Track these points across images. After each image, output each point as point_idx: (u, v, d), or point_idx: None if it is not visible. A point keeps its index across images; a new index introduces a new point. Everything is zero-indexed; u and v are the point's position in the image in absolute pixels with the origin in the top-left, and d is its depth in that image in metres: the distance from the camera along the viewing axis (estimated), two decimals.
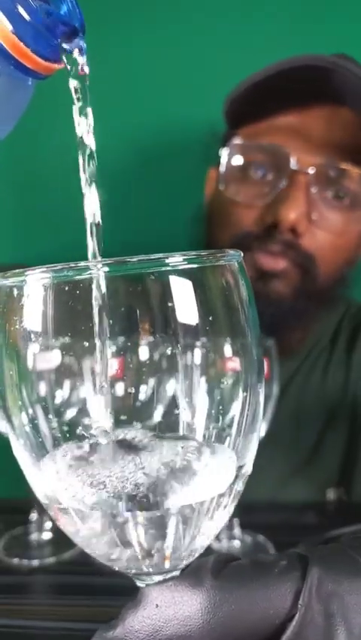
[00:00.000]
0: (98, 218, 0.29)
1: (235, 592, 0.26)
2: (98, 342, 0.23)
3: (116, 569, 0.29)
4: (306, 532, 0.63)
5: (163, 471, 0.26)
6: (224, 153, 0.73)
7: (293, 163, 0.67)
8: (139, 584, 0.30)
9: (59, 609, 0.49)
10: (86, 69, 0.32)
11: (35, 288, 0.23)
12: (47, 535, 0.62)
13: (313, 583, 0.26)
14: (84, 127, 0.31)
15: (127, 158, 1.00)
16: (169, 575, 0.28)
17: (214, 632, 0.25)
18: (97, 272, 0.22)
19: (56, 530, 0.63)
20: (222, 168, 0.74)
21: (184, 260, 0.23)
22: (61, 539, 0.61)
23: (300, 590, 0.26)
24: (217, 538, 0.59)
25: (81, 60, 0.32)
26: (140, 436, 0.28)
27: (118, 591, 0.50)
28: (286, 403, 0.79)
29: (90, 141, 0.31)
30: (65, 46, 0.32)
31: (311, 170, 0.67)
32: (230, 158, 0.73)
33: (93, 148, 0.30)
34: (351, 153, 0.68)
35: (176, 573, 0.28)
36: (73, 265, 0.22)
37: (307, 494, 0.77)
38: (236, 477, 0.27)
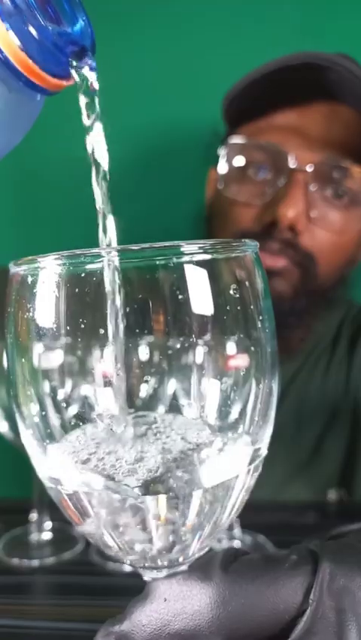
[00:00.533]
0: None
1: (245, 586, 0.26)
2: (112, 329, 0.23)
3: (127, 562, 0.28)
4: (306, 532, 0.63)
5: (178, 454, 0.25)
6: (222, 152, 0.74)
7: (292, 161, 0.68)
8: (146, 577, 0.29)
9: (59, 609, 0.49)
10: (96, 85, 0.32)
11: (49, 276, 0.23)
12: (46, 536, 0.61)
13: (324, 578, 0.26)
14: (96, 142, 0.31)
15: (128, 158, 1.00)
16: (178, 569, 0.28)
17: (223, 626, 0.25)
18: (111, 259, 0.22)
19: (56, 530, 0.62)
20: (221, 167, 0.74)
21: (200, 248, 0.23)
22: (61, 539, 0.61)
23: (311, 585, 0.26)
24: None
25: (91, 77, 0.32)
26: (153, 421, 0.27)
27: (118, 591, 0.50)
28: (288, 403, 0.79)
29: (102, 157, 0.30)
30: (74, 64, 0.32)
31: (310, 168, 0.67)
32: (228, 157, 0.73)
33: (105, 167, 0.30)
34: (350, 151, 0.68)
35: (184, 567, 0.28)
36: (87, 252, 0.22)
37: (308, 495, 0.77)
38: (252, 459, 0.27)
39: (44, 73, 0.31)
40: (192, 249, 0.23)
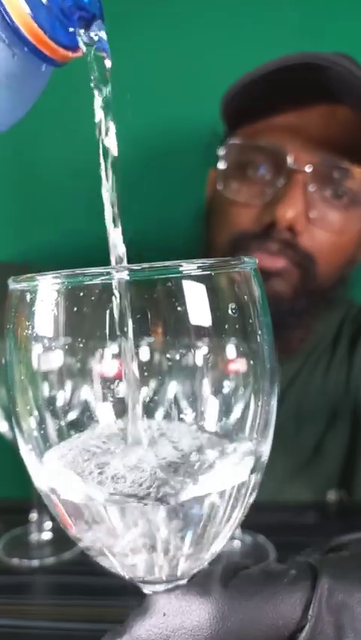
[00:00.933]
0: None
1: (244, 602, 0.26)
2: (122, 342, 0.23)
3: (126, 576, 0.28)
4: (306, 533, 0.64)
5: (177, 462, 0.25)
6: (222, 153, 0.73)
7: (290, 161, 0.67)
8: (146, 590, 0.29)
9: (59, 609, 0.49)
10: (108, 62, 0.31)
11: (48, 293, 0.23)
12: (46, 536, 0.62)
13: (323, 593, 0.26)
14: (107, 126, 0.31)
15: (126, 158, 1.00)
16: (177, 583, 0.28)
17: None
18: (112, 278, 0.21)
19: (56, 530, 0.63)
20: (220, 168, 0.73)
21: (198, 267, 0.23)
22: (61, 539, 0.61)
23: (310, 601, 0.26)
24: None
25: (102, 48, 0.32)
26: (154, 427, 0.27)
27: (118, 591, 0.50)
28: (288, 403, 0.79)
29: (112, 145, 0.30)
30: (83, 34, 0.31)
31: (309, 169, 0.67)
32: (227, 157, 0.73)
33: (115, 152, 0.29)
34: (350, 151, 0.68)
35: (183, 581, 0.28)
36: (87, 271, 0.21)
37: (308, 495, 0.77)
38: (254, 467, 0.27)
39: (51, 41, 0.30)
40: (190, 268, 0.23)
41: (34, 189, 1.06)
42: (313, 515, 0.68)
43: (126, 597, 0.49)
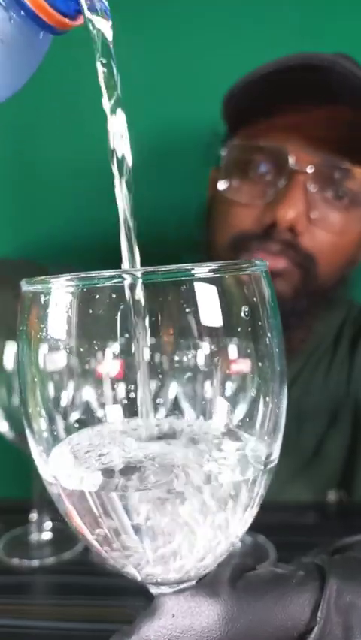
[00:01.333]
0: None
1: (253, 603, 0.26)
2: (134, 344, 0.23)
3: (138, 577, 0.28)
4: (306, 532, 0.64)
5: (185, 455, 0.25)
6: (223, 154, 0.73)
7: (292, 162, 0.67)
8: (153, 591, 0.29)
9: (59, 609, 0.49)
10: (109, 35, 0.31)
11: (62, 296, 0.23)
12: (46, 536, 0.61)
13: (331, 595, 0.26)
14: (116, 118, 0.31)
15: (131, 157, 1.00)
16: (185, 585, 0.28)
17: None
18: (125, 280, 0.21)
19: (56, 530, 0.62)
20: (222, 169, 0.73)
21: (210, 270, 0.23)
22: (61, 539, 0.61)
23: (318, 602, 0.26)
24: None
25: (104, 23, 0.31)
26: (163, 424, 0.27)
27: (118, 591, 0.50)
28: (289, 404, 0.79)
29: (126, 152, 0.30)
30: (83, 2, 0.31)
31: (310, 169, 0.67)
32: (228, 158, 0.73)
33: (128, 154, 0.29)
34: (351, 152, 0.68)
35: (192, 583, 0.28)
36: (101, 274, 0.21)
37: (308, 496, 0.77)
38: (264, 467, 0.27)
39: (49, 6, 0.30)
40: (202, 270, 0.23)
41: (34, 187, 1.06)
42: (314, 515, 0.68)
43: (126, 597, 0.49)
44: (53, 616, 0.48)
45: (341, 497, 0.78)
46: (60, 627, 0.46)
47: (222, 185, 0.73)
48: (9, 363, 0.59)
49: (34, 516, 0.62)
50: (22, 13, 0.30)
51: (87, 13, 0.30)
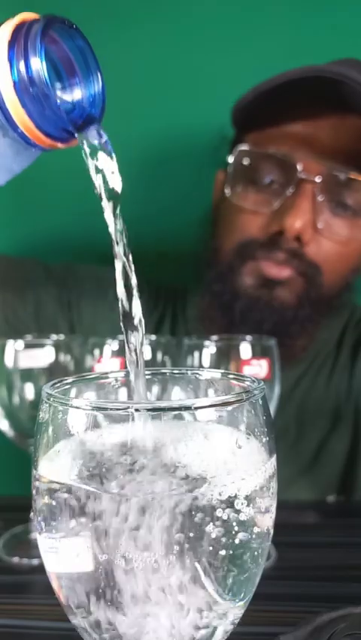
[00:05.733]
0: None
1: None
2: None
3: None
4: (306, 532, 0.64)
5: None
6: (231, 159, 0.73)
7: (300, 171, 0.67)
8: None
9: (60, 609, 0.48)
10: (115, 182, 0.32)
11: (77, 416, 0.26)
12: None
13: None
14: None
15: (136, 161, 1.00)
16: None
17: None
18: (133, 412, 0.25)
19: None
20: (229, 174, 0.73)
21: (210, 405, 0.26)
22: None
23: None
24: None
25: (100, 140, 0.33)
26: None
27: None
28: (291, 407, 0.79)
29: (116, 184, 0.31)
30: (78, 127, 0.33)
31: (318, 179, 0.67)
32: (236, 163, 0.72)
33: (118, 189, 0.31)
34: (358, 161, 0.68)
35: None
36: (115, 405, 0.25)
37: (309, 499, 0.77)
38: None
39: (41, 133, 0.31)
40: (203, 403, 0.25)
41: (33, 185, 1.06)
42: (313, 515, 0.68)
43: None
44: (52, 615, 0.48)
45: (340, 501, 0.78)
46: (60, 627, 0.46)
47: (229, 190, 0.73)
48: (9, 361, 0.59)
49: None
50: (16, 134, 0.31)
51: (87, 159, 0.32)
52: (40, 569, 0.55)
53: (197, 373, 0.33)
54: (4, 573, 0.55)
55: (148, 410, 0.25)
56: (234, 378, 0.32)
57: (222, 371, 0.32)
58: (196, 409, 0.25)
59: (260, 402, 0.28)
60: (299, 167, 0.67)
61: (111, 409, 0.25)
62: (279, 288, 0.69)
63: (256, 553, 0.27)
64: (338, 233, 0.69)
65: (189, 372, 0.33)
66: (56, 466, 0.27)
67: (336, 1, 0.99)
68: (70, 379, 0.30)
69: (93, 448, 0.26)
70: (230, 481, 0.25)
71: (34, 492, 0.28)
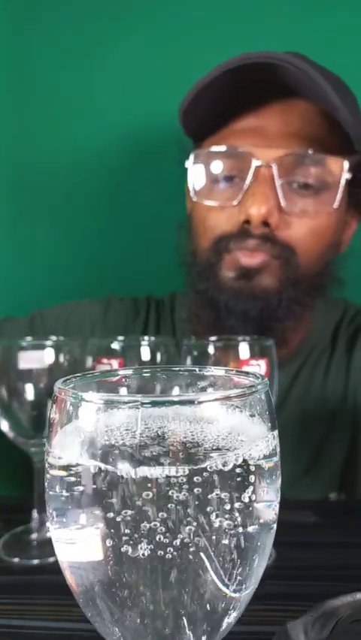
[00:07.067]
0: None
1: None
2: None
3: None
4: (305, 532, 0.64)
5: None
6: (190, 165, 0.75)
7: (255, 159, 0.69)
8: None
9: (60, 609, 0.49)
10: None
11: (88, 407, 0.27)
12: (47, 535, 0.61)
13: None
14: None
15: (127, 156, 1.00)
16: None
17: None
18: (139, 406, 0.25)
19: None
20: (190, 180, 0.76)
21: (215, 399, 0.26)
22: None
23: None
24: None
25: None
26: None
27: None
28: (288, 407, 0.79)
29: None
30: None
31: (274, 163, 0.69)
32: (195, 168, 0.75)
33: None
34: (310, 140, 0.70)
35: None
36: (122, 399, 0.26)
37: (309, 498, 0.77)
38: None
39: None
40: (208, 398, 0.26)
41: (33, 189, 1.06)
42: (313, 514, 0.68)
43: None
44: (53, 616, 0.48)
45: (341, 499, 0.78)
46: (61, 627, 0.46)
47: (194, 194, 0.75)
48: (10, 362, 0.59)
49: (34, 515, 0.62)
50: None
51: None
52: (41, 569, 0.55)
53: (201, 370, 0.34)
54: (4, 573, 0.55)
55: (153, 403, 0.26)
56: (236, 375, 0.32)
57: (226, 368, 0.33)
58: (200, 402, 0.26)
59: (264, 396, 0.29)
60: (254, 156, 0.69)
61: (121, 402, 0.26)
62: (258, 276, 0.71)
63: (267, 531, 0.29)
64: (304, 210, 0.71)
65: (196, 369, 0.34)
66: (68, 449, 0.27)
67: (336, 1, 0.99)
68: (78, 375, 0.31)
69: (104, 434, 0.27)
70: (242, 449, 0.27)
71: (47, 475, 0.29)
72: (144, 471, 0.25)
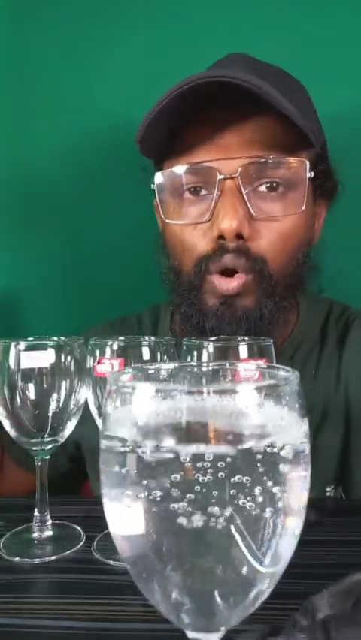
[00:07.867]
0: None
1: None
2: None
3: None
4: (305, 530, 0.64)
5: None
6: (154, 187, 0.76)
7: (219, 173, 0.70)
8: (190, 636, 0.31)
9: (60, 608, 0.49)
10: None
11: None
12: (48, 534, 0.62)
13: None
14: None
15: (127, 156, 1.00)
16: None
17: None
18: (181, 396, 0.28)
19: (58, 528, 0.63)
20: (158, 200, 0.76)
21: (254, 389, 0.29)
22: (63, 537, 0.61)
23: None
24: None
25: None
26: None
27: (120, 590, 0.51)
28: None
29: None
30: None
31: (237, 174, 0.69)
32: (161, 189, 0.76)
33: None
34: (270, 145, 0.71)
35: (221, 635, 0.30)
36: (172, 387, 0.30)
37: (309, 495, 0.77)
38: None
39: None
40: (247, 387, 0.29)
41: (33, 189, 1.06)
42: (313, 512, 0.68)
43: (127, 596, 0.49)
44: (54, 614, 0.48)
45: (338, 494, 0.78)
46: (61, 626, 0.46)
47: (164, 215, 0.76)
48: (11, 362, 0.59)
49: (35, 514, 0.63)
50: None
51: None
52: (42, 568, 0.55)
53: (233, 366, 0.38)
54: (4, 572, 0.55)
55: (199, 392, 0.28)
56: (268, 369, 0.36)
57: (258, 363, 0.37)
58: (236, 392, 0.29)
59: (296, 387, 0.32)
60: (217, 169, 0.70)
61: (168, 390, 0.29)
62: (238, 300, 0.72)
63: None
64: (272, 212, 0.72)
65: (227, 364, 0.38)
66: (122, 429, 0.30)
67: (336, 1, 0.99)
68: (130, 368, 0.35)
69: (156, 417, 0.29)
70: (279, 435, 0.30)
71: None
72: (194, 449, 0.27)
